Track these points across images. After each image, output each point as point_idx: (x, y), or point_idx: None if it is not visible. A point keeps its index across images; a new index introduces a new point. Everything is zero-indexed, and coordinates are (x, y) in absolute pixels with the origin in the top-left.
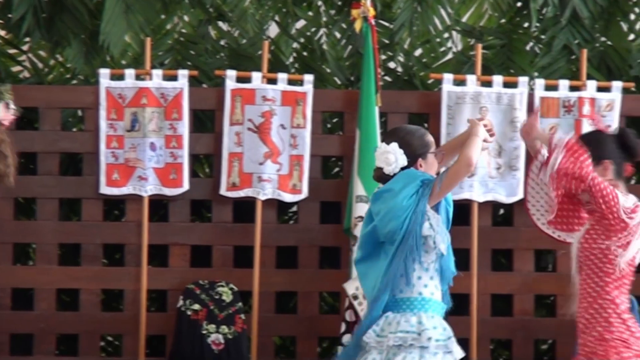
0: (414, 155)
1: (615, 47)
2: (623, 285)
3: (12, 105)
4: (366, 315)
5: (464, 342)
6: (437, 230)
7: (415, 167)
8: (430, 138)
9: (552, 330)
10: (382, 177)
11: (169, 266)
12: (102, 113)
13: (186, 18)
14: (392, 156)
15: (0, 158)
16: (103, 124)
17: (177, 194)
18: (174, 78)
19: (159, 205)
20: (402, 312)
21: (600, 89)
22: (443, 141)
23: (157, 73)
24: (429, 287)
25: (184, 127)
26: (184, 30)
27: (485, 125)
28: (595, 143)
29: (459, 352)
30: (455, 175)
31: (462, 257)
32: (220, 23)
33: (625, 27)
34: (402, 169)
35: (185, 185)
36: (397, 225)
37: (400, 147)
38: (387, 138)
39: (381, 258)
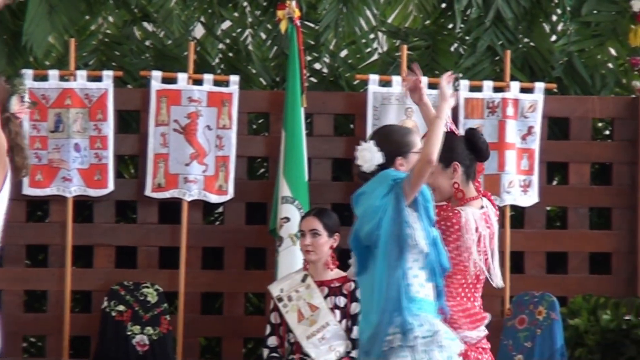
0: (392, 153)
1: (538, 48)
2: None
3: (26, 99)
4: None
5: None
6: (415, 227)
7: (395, 166)
8: (413, 138)
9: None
10: (361, 175)
11: (94, 267)
12: (25, 111)
13: (111, 19)
14: (368, 154)
15: (17, 151)
16: (26, 124)
17: (102, 195)
18: (98, 79)
19: (84, 206)
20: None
21: (523, 90)
22: None
23: (82, 74)
24: (414, 286)
25: (108, 128)
26: (108, 31)
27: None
28: (444, 146)
29: (456, 345)
30: (419, 174)
31: None
32: (145, 24)
33: (547, 28)
34: (382, 167)
35: (110, 186)
36: (373, 226)
37: (379, 145)
38: (371, 136)
39: (370, 262)
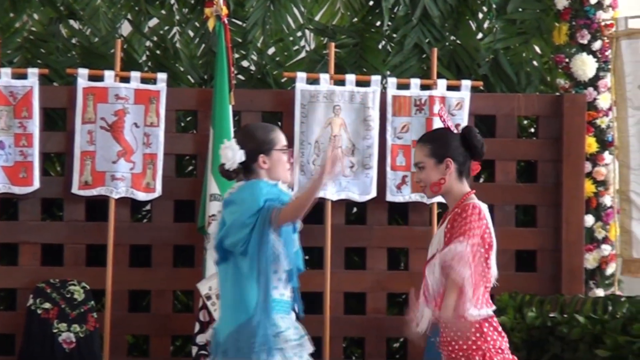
0: (254, 152)
1: (465, 46)
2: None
3: None
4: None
5: (317, 341)
6: (277, 246)
7: (257, 163)
8: (276, 135)
9: (404, 329)
10: (223, 172)
11: (19, 265)
12: None
13: (36, 16)
14: (230, 152)
15: None
16: None
17: (28, 192)
18: (23, 76)
19: (9, 204)
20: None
21: (450, 88)
22: (297, 139)
23: (6, 71)
24: (279, 289)
25: (34, 126)
26: (34, 29)
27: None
28: (439, 141)
29: (309, 346)
30: (284, 218)
31: (315, 256)
32: (71, 21)
33: (473, 26)
34: (244, 164)
35: (36, 184)
36: (238, 240)
37: (241, 143)
38: (235, 134)
39: (231, 263)
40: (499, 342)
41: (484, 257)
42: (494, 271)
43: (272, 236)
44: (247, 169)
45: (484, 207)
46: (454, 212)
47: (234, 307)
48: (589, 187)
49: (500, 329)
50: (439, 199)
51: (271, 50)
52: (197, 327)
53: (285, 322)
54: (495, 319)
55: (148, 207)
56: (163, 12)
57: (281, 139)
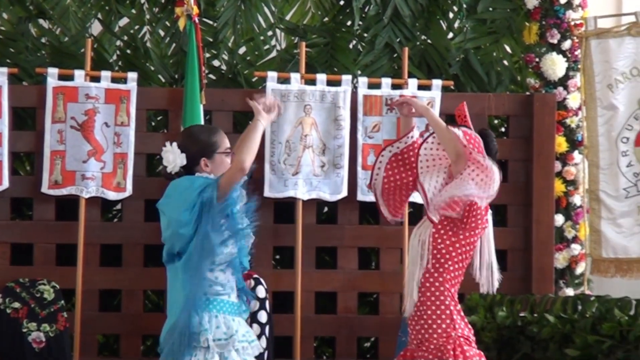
0: (195, 155)
1: (435, 46)
2: (458, 283)
3: None
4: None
5: (288, 340)
6: (224, 233)
7: (200, 167)
8: (220, 138)
9: (375, 328)
10: (166, 175)
11: None
12: None
13: (5, 15)
14: (171, 155)
15: None
16: None
17: None
18: None
19: None
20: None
21: (421, 87)
22: (267, 139)
23: None
24: (215, 287)
25: (3, 125)
26: (2, 28)
27: (266, 105)
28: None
29: (254, 348)
30: (229, 181)
31: (286, 255)
32: (41, 21)
33: (444, 25)
34: (186, 168)
35: (5, 183)
36: (186, 237)
37: (182, 146)
38: (176, 137)
39: (173, 266)
40: (467, 332)
41: (471, 252)
42: (479, 274)
43: (216, 223)
44: (189, 172)
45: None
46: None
47: (173, 306)
48: (558, 187)
49: (466, 320)
50: (411, 198)
51: (242, 50)
52: None
53: (216, 320)
54: (462, 312)
55: (119, 206)
56: (133, 11)
57: (224, 142)
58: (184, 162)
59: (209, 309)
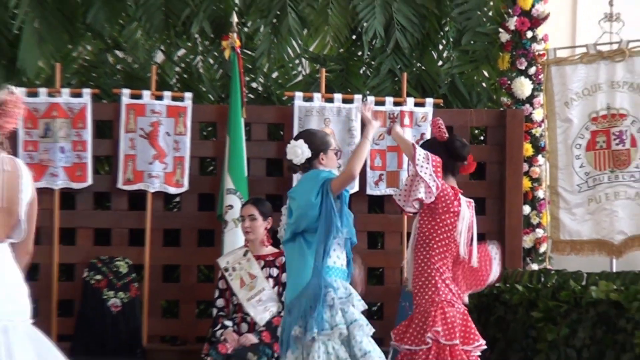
0: (317, 150)
1: (428, 71)
2: (446, 257)
3: None
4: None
5: None
6: (339, 215)
7: (318, 160)
8: (330, 138)
9: (380, 295)
10: (291, 167)
11: (76, 245)
12: (20, 123)
13: (89, 47)
14: (298, 149)
15: None
16: (20, 132)
17: (82, 187)
18: (79, 95)
19: (68, 197)
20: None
21: (416, 104)
22: None
23: (66, 91)
24: (332, 258)
25: (87, 134)
26: (87, 57)
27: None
28: (428, 147)
29: (362, 305)
30: (340, 184)
31: None
32: (116, 51)
33: (435, 55)
34: (309, 160)
35: (89, 181)
36: (313, 217)
37: (306, 143)
38: (296, 137)
39: (297, 242)
40: (450, 296)
41: (451, 232)
42: (461, 249)
43: (335, 209)
44: (310, 164)
45: (463, 199)
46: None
47: (297, 276)
48: (526, 183)
49: (451, 286)
50: None
51: (275, 74)
52: (216, 293)
53: (336, 284)
54: (448, 280)
55: (178, 199)
56: (189, 44)
57: (333, 142)
58: (310, 154)
59: (329, 274)
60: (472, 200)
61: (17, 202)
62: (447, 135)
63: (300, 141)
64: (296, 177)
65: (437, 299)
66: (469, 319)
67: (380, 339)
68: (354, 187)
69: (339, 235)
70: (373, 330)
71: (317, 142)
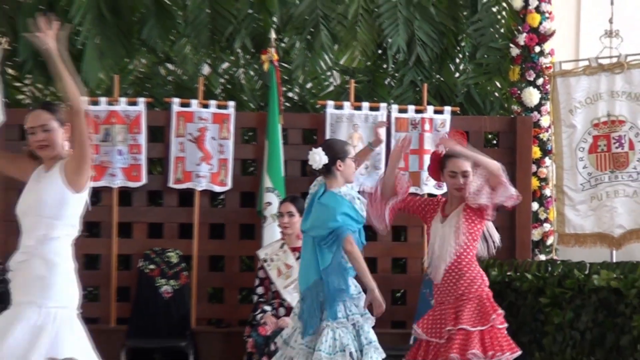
0: (334, 157)
1: (446, 82)
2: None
3: None
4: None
5: None
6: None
7: (336, 166)
8: (349, 148)
9: (404, 283)
10: (311, 171)
11: (132, 238)
12: None
13: (143, 61)
14: (317, 156)
15: None
16: None
17: (138, 186)
18: (135, 104)
19: (125, 194)
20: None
21: (436, 112)
22: None
23: (123, 100)
24: (344, 258)
25: (142, 139)
26: (142, 70)
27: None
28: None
29: (364, 300)
30: (348, 252)
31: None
32: (168, 64)
33: (452, 68)
34: (326, 166)
35: (144, 180)
36: (320, 236)
37: (325, 151)
38: (319, 145)
39: (309, 239)
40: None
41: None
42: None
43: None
44: (327, 170)
45: None
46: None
47: (310, 267)
48: (534, 183)
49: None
50: (428, 190)
51: (309, 85)
52: (256, 282)
53: (350, 281)
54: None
55: (222, 196)
56: (232, 58)
57: (352, 151)
58: (326, 161)
59: (345, 273)
60: None
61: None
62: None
63: (319, 149)
64: None
65: (486, 288)
66: None
67: (403, 322)
68: None
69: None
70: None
71: (335, 151)
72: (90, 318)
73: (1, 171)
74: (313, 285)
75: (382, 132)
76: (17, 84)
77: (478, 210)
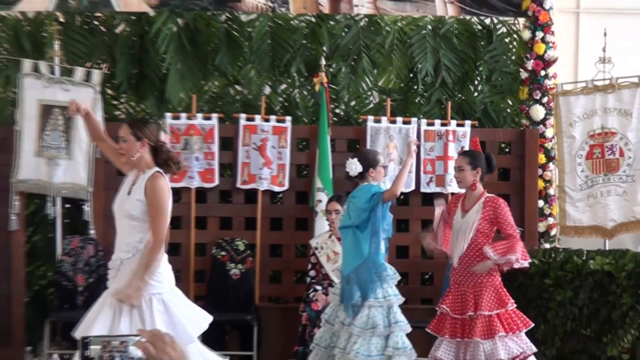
0: (367, 166)
1: (467, 100)
2: None
3: (167, 131)
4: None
5: None
6: (384, 219)
7: (369, 173)
8: (379, 157)
9: (431, 267)
10: (348, 177)
11: (207, 229)
12: (167, 139)
13: (216, 83)
14: (353, 165)
15: (172, 161)
16: (168, 146)
17: (211, 186)
18: (209, 118)
19: (201, 194)
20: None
21: (458, 125)
22: None
23: (199, 116)
24: (381, 247)
25: (215, 147)
26: (215, 90)
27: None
28: (475, 156)
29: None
30: (387, 198)
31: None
32: (236, 86)
33: (472, 88)
34: (361, 174)
35: (216, 182)
36: (363, 218)
37: (359, 160)
38: (354, 155)
39: (350, 231)
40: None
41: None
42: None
43: (380, 213)
44: (361, 176)
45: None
46: (483, 201)
47: (350, 255)
48: (540, 184)
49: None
50: (452, 190)
51: (352, 103)
52: (309, 266)
53: (386, 264)
54: None
55: (280, 195)
56: (289, 80)
57: (382, 160)
58: (361, 169)
59: (381, 259)
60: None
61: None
62: (481, 150)
63: (355, 159)
64: None
65: (499, 276)
66: None
67: (430, 299)
68: (411, 187)
69: (383, 229)
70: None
71: (368, 160)
72: None
73: (108, 157)
74: (353, 271)
75: (414, 147)
76: (114, 102)
77: (493, 213)
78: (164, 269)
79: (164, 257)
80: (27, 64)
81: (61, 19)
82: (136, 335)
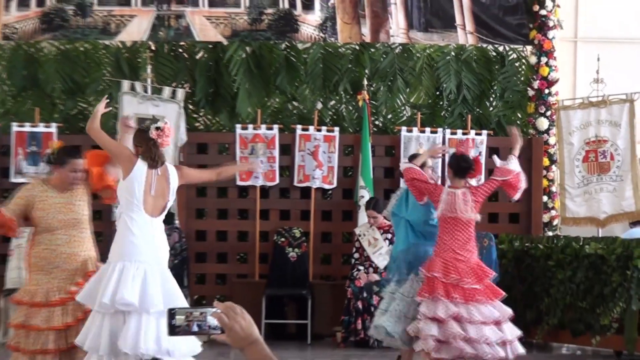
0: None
1: (484, 114)
2: None
3: (160, 126)
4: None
5: None
6: (432, 215)
7: None
8: (422, 159)
9: None
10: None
11: (269, 220)
12: (237, 146)
13: (277, 99)
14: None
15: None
16: (237, 151)
17: (273, 185)
18: (271, 129)
19: (264, 190)
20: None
21: (476, 134)
22: (402, 160)
23: (263, 127)
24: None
25: (276, 153)
26: (276, 106)
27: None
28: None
29: None
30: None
31: None
32: (293, 102)
33: (488, 104)
34: None
35: (277, 181)
36: (420, 214)
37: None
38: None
39: (402, 220)
40: None
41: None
42: None
43: (430, 209)
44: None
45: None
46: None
47: (400, 239)
48: (544, 182)
49: None
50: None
51: (389, 116)
52: (353, 249)
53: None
54: None
55: (330, 192)
56: (337, 97)
57: (421, 161)
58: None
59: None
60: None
61: (165, 193)
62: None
63: (406, 160)
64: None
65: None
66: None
67: None
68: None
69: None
70: None
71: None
72: (242, 274)
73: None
74: (401, 251)
75: (441, 151)
76: (195, 115)
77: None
78: (130, 242)
79: (141, 234)
80: (125, 84)
81: (152, 47)
82: (213, 307)
